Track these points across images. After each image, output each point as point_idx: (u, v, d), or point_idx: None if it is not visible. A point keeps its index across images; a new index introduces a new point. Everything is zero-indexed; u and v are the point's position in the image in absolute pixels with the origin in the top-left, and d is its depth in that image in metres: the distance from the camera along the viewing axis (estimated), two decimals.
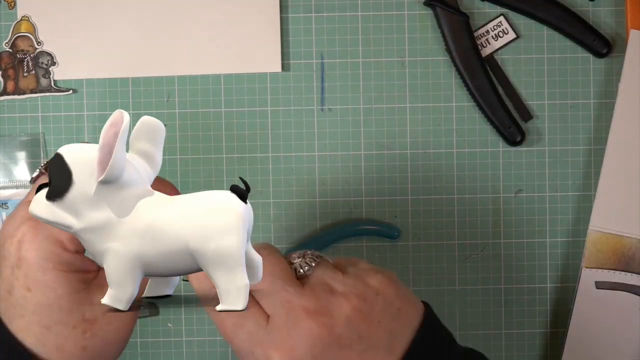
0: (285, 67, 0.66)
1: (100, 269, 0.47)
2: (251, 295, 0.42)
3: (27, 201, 0.48)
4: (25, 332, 0.46)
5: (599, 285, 0.63)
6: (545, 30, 0.66)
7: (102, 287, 0.44)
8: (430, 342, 0.48)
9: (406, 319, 0.48)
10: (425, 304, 0.50)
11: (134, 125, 0.44)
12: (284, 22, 0.66)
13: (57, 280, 0.45)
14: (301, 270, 0.48)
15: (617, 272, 0.63)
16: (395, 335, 0.47)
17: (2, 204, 0.66)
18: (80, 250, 0.47)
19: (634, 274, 0.63)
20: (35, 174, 0.50)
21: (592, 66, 0.66)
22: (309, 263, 0.48)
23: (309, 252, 0.49)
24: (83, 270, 0.47)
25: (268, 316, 0.46)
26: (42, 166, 0.50)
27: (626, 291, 0.63)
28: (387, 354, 0.46)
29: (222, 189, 0.65)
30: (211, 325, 0.66)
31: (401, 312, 0.47)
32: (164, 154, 0.65)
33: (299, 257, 0.49)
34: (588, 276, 0.63)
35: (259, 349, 0.45)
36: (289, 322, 0.45)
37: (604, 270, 0.63)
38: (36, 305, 0.45)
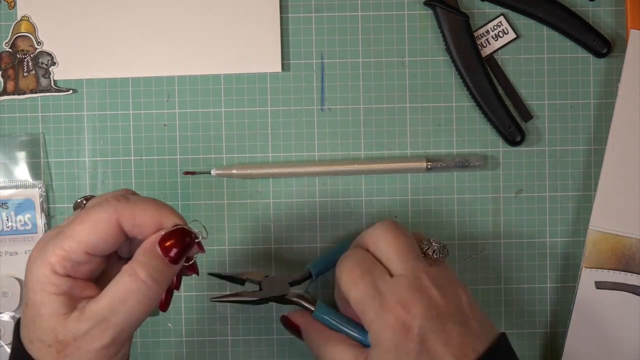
0: (285, 67, 0.66)
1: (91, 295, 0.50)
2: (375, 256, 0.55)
3: (57, 228, 0.51)
4: (23, 341, 0.50)
5: (599, 285, 0.63)
6: (545, 30, 0.66)
7: (82, 312, 0.48)
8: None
9: (484, 329, 0.54)
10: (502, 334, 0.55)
11: None
12: (284, 22, 0.66)
13: (41, 300, 0.49)
14: (434, 255, 0.56)
15: (617, 272, 0.63)
16: (482, 333, 0.53)
17: (2, 204, 0.66)
18: (71, 274, 0.49)
19: (634, 274, 0.63)
20: (78, 200, 0.54)
21: (592, 66, 0.66)
22: (441, 252, 0.57)
23: (437, 243, 0.57)
24: (70, 294, 0.49)
25: (391, 275, 0.53)
26: (83, 197, 0.54)
27: (626, 291, 0.63)
28: (479, 342, 0.52)
29: (222, 189, 0.66)
30: (212, 326, 0.66)
31: (484, 322, 0.54)
32: (165, 154, 0.66)
33: (431, 243, 0.57)
34: (588, 276, 0.63)
35: (379, 295, 0.52)
36: (415, 284, 0.52)
37: (604, 270, 0.63)
38: (27, 319, 0.50)
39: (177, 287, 0.53)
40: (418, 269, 0.53)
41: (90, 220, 0.49)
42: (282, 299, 0.58)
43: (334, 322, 0.57)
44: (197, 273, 0.54)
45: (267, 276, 0.60)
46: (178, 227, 0.50)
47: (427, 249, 0.56)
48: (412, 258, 0.54)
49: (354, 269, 0.54)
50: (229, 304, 0.65)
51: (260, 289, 0.59)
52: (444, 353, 0.50)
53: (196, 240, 0.51)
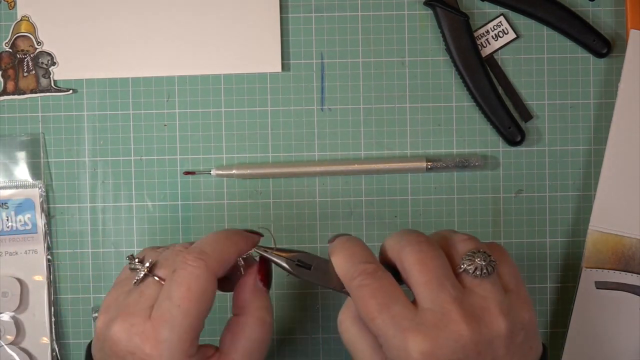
0: (285, 67, 0.66)
1: None
2: (401, 282, 0.48)
3: (129, 313, 0.49)
4: None
5: (599, 285, 0.63)
6: (545, 30, 0.66)
7: None
8: None
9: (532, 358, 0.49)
10: (544, 348, 0.51)
11: None
12: (284, 22, 0.66)
13: None
14: (475, 273, 0.48)
15: (617, 272, 0.63)
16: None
17: (2, 204, 0.66)
18: (196, 344, 0.49)
19: (634, 274, 0.63)
20: (132, 266, 0.52)
21: (592, 66, 0.66)
22: (483, 270, 0.48)
23: (483, 255, 0.49)
24: None
25: (415, 305, 0.47)
26: (146, 266, 0.51)
27: (626, 291, 0.63)
28: None
29: (222, 189, 0.66)
30: (212, 326, 0.66)
31: (531, 351, 0.49)
32: (165, 154, 0.66)
33: (472, 256, 0.49)
34: (588, 276, 0.63)
35: (400, 334, 0.46)
36: (442, 321, 0.46)
37: (604, 270, 0.63)
38: None
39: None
40: (445, 301, 0.46)
41: (196, 293, 0.48)
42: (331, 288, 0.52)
43: None
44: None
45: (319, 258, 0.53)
46: (260, 257, 0.51)
47: (469, 266, 0.48)
48: (437, 286, 0.47)
49: (371, 300, 0.47)
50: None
51: (310, 269, 0.52)
52: None
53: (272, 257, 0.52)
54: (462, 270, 0.48)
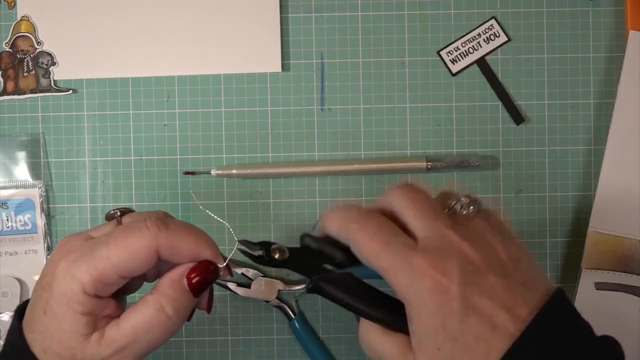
0: (285, 67, 0.66)
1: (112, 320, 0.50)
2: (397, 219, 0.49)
3: (85, 234, 0.51)
4: (32, 344, 0.49)
5: (599, 286, 0.63)
6: (545, 30, 0.66)
7: (103, 336, 0.48)
8: (564, 313, 0.50)
9: (534, 280, 0.49)
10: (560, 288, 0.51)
11: None
12: (284, 22, 0.66)
13: (64, 315, 0.48)
14: (462, 211, 0.50)
15: (617, 273, 0.63)
16: (532, 285, 0.48)
17: (2, 204, 0.66)
18: (99, 294, 0.48)
19: (633, 275, 0.63)
20: (111, 211, 0.52)
21: (592, 66, 0.66)
22: (470, 206, 0.50)
23: (468, 197, 0.51)
24: (94, 314, 0.48)
25: (415, 240, 0.48)
26: (119, 209, 0.52)
27: (626, 292, 0.63)
28: (529, 293, 0.47)
29: (222, 189, 0.65)
30: (212, 326, 0.66)
31: (542, 280, 0.49)
32: (165, 154, 0.66)
33: (459, 198, 0.51)
34: (588, 277, 0.63)
35: (407, 262, 0.46)
36: (444, 242, 0.47)
37: (604, 271, 0.63)
38: (43, 327, 0.48)
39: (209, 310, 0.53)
40: (441, 227, 0.48)
41: (128, 245, 0.48)
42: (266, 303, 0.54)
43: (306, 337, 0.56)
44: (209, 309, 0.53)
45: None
46: (204, 260, 0.50)
47: (455, 204, 0.51)
48: (432, 217, 0.49)
49: (373, 239, 0.48)
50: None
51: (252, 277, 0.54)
52: (492, 306, 0.46)
53: (220, 272, 0.50)
54: (451, 211, 0.50)
